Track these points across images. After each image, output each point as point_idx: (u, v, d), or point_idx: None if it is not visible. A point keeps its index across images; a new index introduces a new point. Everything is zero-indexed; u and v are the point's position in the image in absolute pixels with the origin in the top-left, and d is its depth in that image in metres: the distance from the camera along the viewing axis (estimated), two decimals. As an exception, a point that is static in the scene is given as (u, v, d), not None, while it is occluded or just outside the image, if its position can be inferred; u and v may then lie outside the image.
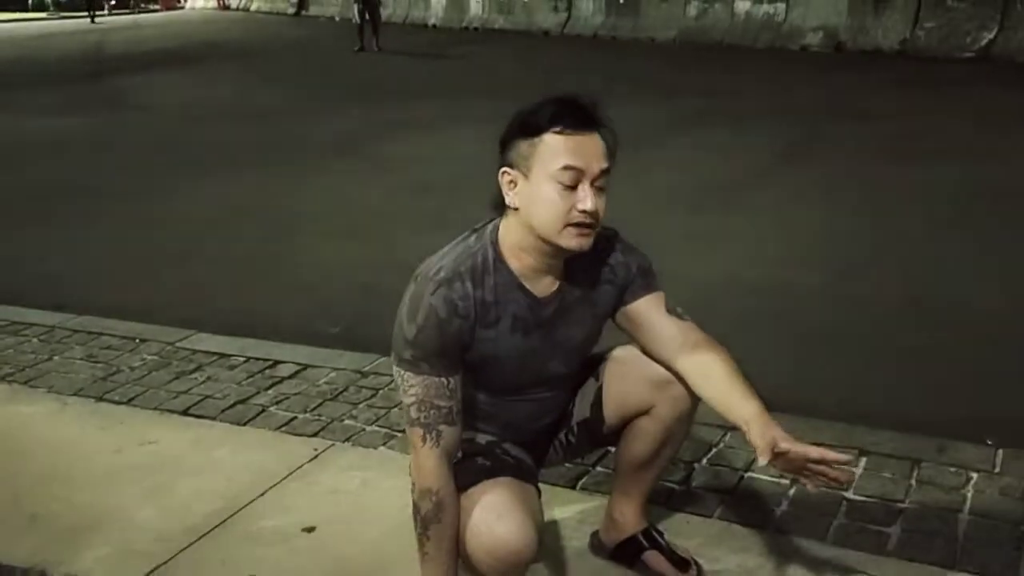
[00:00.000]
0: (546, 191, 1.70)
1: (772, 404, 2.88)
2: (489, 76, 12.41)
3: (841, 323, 3.80)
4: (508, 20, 19.73)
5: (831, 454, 1.67)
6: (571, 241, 1.72)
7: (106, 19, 34.75)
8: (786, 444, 1.65)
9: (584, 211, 1.69)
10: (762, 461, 1.66)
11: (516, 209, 1.75)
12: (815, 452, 1.66)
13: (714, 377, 1.79)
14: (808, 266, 4.47)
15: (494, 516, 1.71)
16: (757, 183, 6.20)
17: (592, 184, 1.70)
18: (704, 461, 2.56)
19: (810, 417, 2.81)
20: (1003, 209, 5.24)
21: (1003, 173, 5.98)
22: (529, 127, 1.71)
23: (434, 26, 22.11)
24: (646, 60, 13.94)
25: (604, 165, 1.71)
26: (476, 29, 20.39)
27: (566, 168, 1.68)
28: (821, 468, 1.66)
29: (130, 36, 25.53)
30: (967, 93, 9.27)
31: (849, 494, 2.38)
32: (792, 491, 2.39)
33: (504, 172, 1.75)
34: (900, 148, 6.93)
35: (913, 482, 2.43)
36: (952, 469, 2.48)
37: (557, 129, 1.69)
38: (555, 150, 1.69)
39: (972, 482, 2.41)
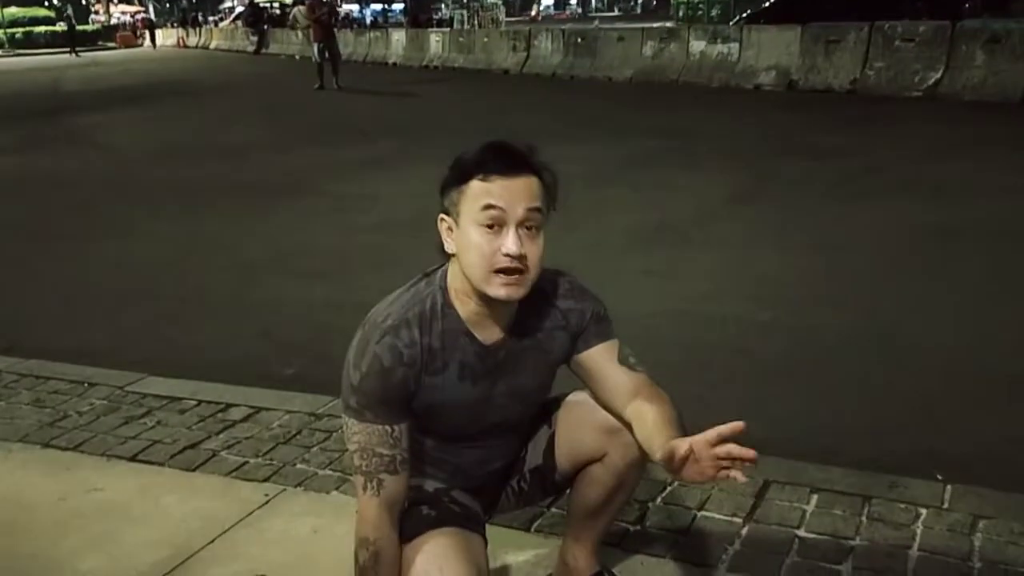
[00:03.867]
0: (472, 235, 1.66)
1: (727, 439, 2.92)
2: (447, 115, 12.49)
3: (793, 359, 3.84)
4: (468, 59, 19.91)
5: (732, 446, 1.54)
6: (498, 290, 1.67)
7: (87, 55, 36.18)
8: (683, 444, 1.55)
9: (508, 254, 1.65)
10: (663, 463, 1.57)
11: (455, 255, 1.73)
12: (712, 434, 1.54)
13: (648, 422, 1.73)
14: (761, 302, 4.52)
15: (436, 568, 1.69)
16: (712, 220, 6.29)
17: (519, 227, 1.66)
18: (658, 500, 2.56)
19: (762, 454, 2.83)
20: (951, 245, 5.36)
21: (951, 210, 6.12)
22: (458, 174, 1.69)
23: (394, 64, 22.26)
24: (603, 99, 14.12)
25: (532, 205, 1.67)
26: (436, 68, 20.54)
27: (487, 208, 1.65)
28: (728, 463, 1.54)
29: (90, 73, 25.37)
30: (915, 131, 9.49)
31: (801, 532, 2.39)
32: (745, 530, 2.40)
33: (442, 219, 1.74)
34: (851, 186, 7.07)
35: (864, 519, 2.45)
36: (902, 505, 2.50)
37: (481, 176, 1.66)
38: (478, 194, 1.66)
39: (921, 518, 2.44)
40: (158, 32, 45.55)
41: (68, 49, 37.57)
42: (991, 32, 11.37)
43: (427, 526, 1.77)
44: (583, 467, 1.96)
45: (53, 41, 42.63)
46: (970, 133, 9.17)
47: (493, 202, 1.65)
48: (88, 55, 36.62)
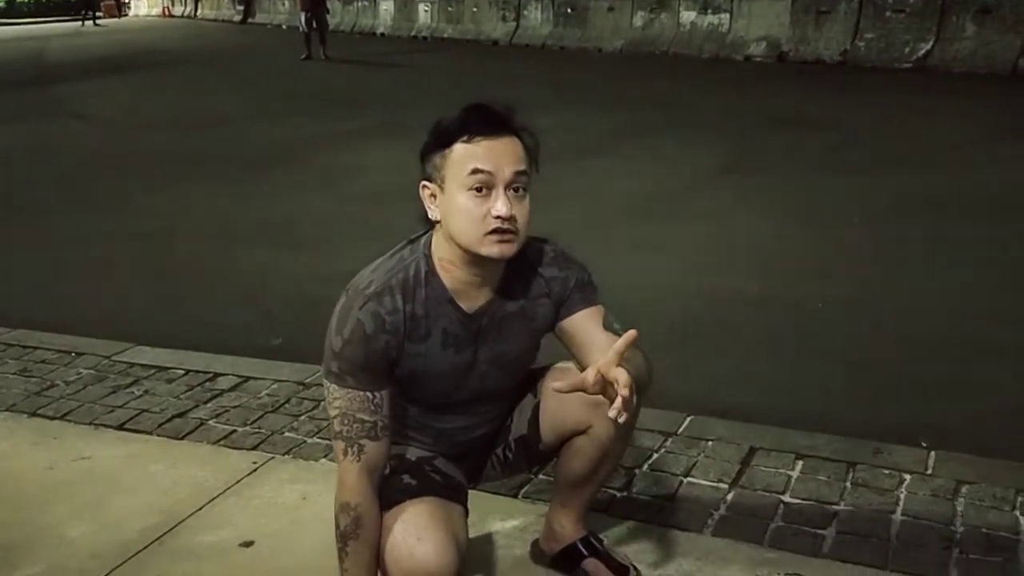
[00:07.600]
0: (460, 200, 1.65)
1: (712, 407, 2.95)
2: (436, 85, 12.40)
3: (781, 329, 3.86)
4: (457, 29, 19.75)
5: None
6: (491, 248, 1.67)
7: (108, 22, 35.09)
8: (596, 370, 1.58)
9: (499, 216, 1.64)
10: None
11: (439, 222, 1.72)
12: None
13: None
14: (750, 273, 4.53)
15: (414, 537, 1.70)
16: (702, 192, 6.28)
17: (507, 189, 1.65)
18: (644, 467, 2.58)
19: (748, 421, 2.86)
20: (939, 216, 5.37)
21: (938, 181, 6.13)
22: (440, 139, 1.68)
23: (382, 35, 22.06)
24: (593, 69, 14.05)
25: (518, 168, 1.66)
26: (425, 38, 20.37)
27: (474, 172, 1.64)
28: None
29: (75, 43, 25.09)
30: (905, 102, 9.48)
31: (786, 497, 2.41)
32: (730, 496, 2.42)
33: (424, 186, 1.72)
34: (840, 157, 7.07)
35: (848, 484, 2.47)
36: (886, 471, 2.52)
37: (465, 138, 1.65)
38: (464, 158, 1.65)
39: (905, 484, 2.46)
40: (142, 1, 45.11)
41: (84, 17, 35.13)
42: (981, 3, 11.34)
43: (408, 495, 1.77)
44: (568, 438, 1.95)
45: (37, 10, 41.76)
46: (960, 104, 9.17)
47: (480, 165, 1.64)
48: (86, 25, 35.28)
